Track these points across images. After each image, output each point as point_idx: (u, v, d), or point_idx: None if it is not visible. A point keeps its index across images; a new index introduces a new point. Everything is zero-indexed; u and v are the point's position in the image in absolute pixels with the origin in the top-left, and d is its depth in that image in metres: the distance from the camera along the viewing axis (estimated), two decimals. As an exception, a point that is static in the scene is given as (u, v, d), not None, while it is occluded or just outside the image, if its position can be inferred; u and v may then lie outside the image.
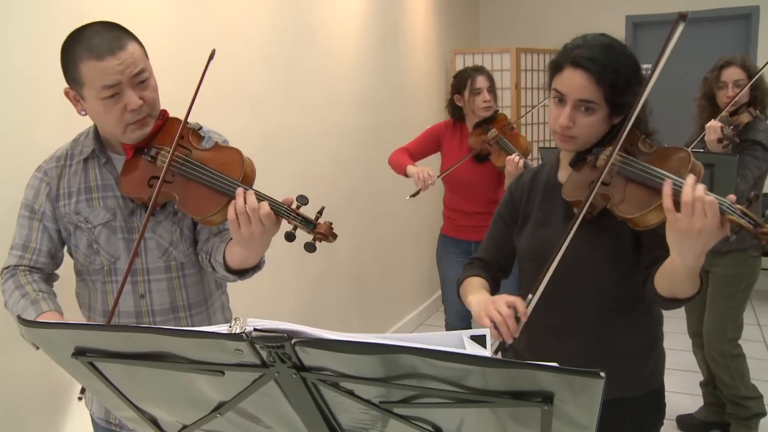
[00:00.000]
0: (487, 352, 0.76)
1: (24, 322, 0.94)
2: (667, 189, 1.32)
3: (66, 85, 1.55)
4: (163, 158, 1.57)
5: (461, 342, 0.77)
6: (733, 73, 2.96)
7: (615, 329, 1.61)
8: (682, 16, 1.36)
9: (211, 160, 1.56)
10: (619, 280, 1.58)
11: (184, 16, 2.64)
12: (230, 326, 0.80)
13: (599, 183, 1.47)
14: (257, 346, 0.80)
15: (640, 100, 1.44)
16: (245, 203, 1.43)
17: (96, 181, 1.63)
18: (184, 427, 1.07)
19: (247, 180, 1.54)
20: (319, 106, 3.63)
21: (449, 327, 3.60)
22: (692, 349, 3.39)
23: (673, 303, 1.47)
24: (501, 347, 1.47)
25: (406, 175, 3.26)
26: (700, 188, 1.29)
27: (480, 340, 0.77)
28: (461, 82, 3.33)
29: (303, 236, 1.50)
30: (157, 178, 1.54)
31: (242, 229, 1.43)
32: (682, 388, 3.77)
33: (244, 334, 0.79)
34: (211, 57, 1.52)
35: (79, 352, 0.94)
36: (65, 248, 1.69)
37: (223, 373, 0.88)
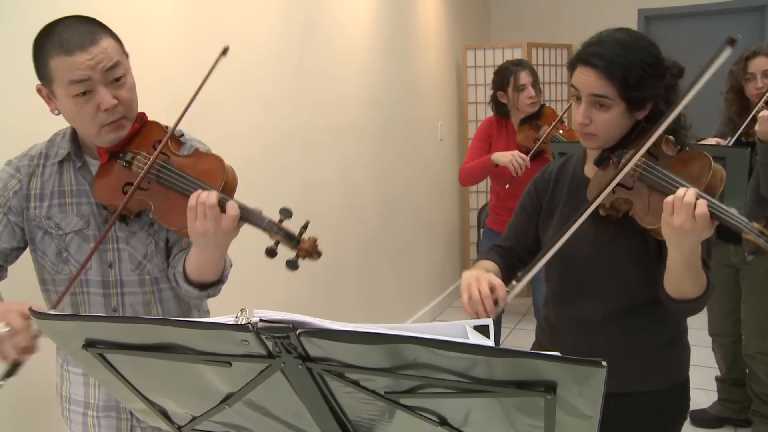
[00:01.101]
0: (489, 342, 0.76)
1: (36, 314, 0.95)
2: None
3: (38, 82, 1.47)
4: (138, 163, 1.48)
5: (464, 332, 0.77)
6: (760, 63, 2.82)
7: (639, 324, 1.62)
8: (731, 42, 1.32)
9: (190, 167, 1.47)
10: (642, 280, 1.58)
11: (192, 15, 2.65)
12: (236, 317, 0.81)
13: (613, 184, 1.47)
14: (263, 337, 0.81)
15: (673, 113, 1.43)
16: (207, 199, 1.36)
17: (70, 186, 1.53)
18: (194, 418, 1.08)
19: (228, 189, 1.46)
20: (330, 104, 3.64)
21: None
22: (711, 346, 3.35)
23: (685, 305, 1.48)
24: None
25: (496, 166, 3.17)
26: (691, 193, 1.33)
27: (483, 330, 0.78)
28: (504, 78, 3.26)
29: (285, 253, 1.42)
30: (132, 184, 1.45)
31: (197, 222, 1.36)
32: (696, 383, 3.69)
33: (250, 325, 0.80)
34: (224, 53, 1.45)
35: (90, 344, 0.95)
36: (25, 251, 1.58)
37: (230, 364, 0.89)
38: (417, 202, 4.78)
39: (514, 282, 1.50)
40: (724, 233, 3.09)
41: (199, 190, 1.38)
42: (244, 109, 2.94)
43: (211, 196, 1.36)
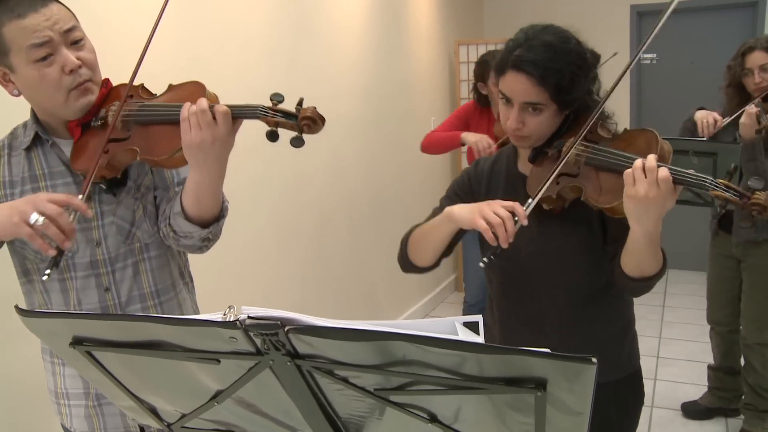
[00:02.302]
0: (479, 339, 0.76)
1: (22, 312, 0.94)
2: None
3: None
4: (111, 117, 1.42)
5: (454, 328, 0.77)
6: (757, 58, 2.82)
7: (589, 316, 1.62)
8: None
9: (168, 99, 1.43)
10: (591, 269, 1.59)
11: (185, 9, 2.64)
12: (224, 314, 0.81)
13: (555, 173, 1.46)
14: (251, 334, 0.81)
15: (607, 98, 1.45)
16: (198, 104, 1.32)
17: (42, 170, 1.47)
18: (183, 416, 1.08)
19: (212, 102, 1.38)
20: (322, 98, 3.61)
21: (467, 306, 3.64)
22: (709, 333, 3.37)
23: (643, 283, 1.48)
24: (494, 252, 1.43)
25: (462, 144, 3.25)
26: (651, 158, 1.33)
27: (473, 326, 0.77)
28: (484, 70, 3.35)
29: (287, 134, 1.36)
30: (115, 140, 1.40)
31: (192, 133, 1.31)
32: (688, 378, 3.77)
33: (238, 322, 0.79)
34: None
35: (77, 342, 0.94)
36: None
37: (219, 361, 0.88)
38: (408, 197, 4.78)
39: (529, 200, 1.46)
40: (724, 223, 3.12)
41: (188, 102, 1.33)
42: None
43: (201, 102, 1.31)
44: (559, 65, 1.47)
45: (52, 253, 1.30)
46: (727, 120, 2.84)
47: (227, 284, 2.80)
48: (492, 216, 1.40)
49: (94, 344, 0.95)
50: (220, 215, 1.48)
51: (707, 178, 1.35)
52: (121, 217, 1.49)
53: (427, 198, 5.08)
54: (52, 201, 1.28)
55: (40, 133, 1.47)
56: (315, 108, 1.33)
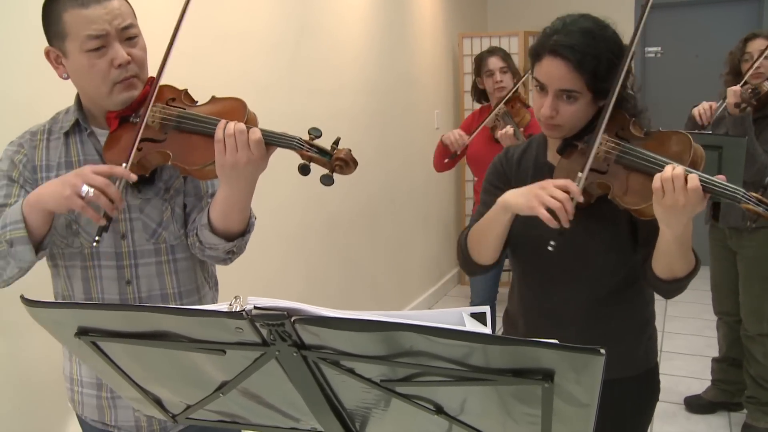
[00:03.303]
0: (486, 329, 0.76)
1: (27, 302, 0.94)
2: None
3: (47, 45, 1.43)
4: (154, 116, 1.46)
5: (461, 319, 0.77)
6: (758, 45, 2.88)
7: (609, 312, 1.61)
8: None
9: (208, 111, 1.46)
10: (615, 266, 1.58)
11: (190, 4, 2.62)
12: (230, 304, 0.80)
13: (587, 169, 1.44)
14: (257, 325, 0.80)
15: (618, 82, 1.43)
16: (234, 127, 1.35)
17: (78, 156, 1.50)
18: (188, 407, 1.08)
19: (250, 123, 1.42)
20: (326, 92, 3.62)
21: (473, 304, 3.65)
22: (716, 323, 3.38)
23: (675, 284, 1.48)
24: (560, 233, 1.42)
25: (443, 144, 3.35)
26: (680, 168, 1.33)
27: (480, 317, 0.77)
28: (477, 65, 3.45)
29: (318, 170, 1.39)
30: (150, 140, 1.44)
31: (227, 155, 1.34)
32: (691, 373, 3.77)
33: (244, 312, 0.79)
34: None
35: (82, 332, 0.94)
36: None
37: (225, 352, 0.88)
38: (413, 191, 4.77)
39: (579, 174, 1.44)
40: (716, 212, 3.13)
41: (224, 121, 1.36)
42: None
43: (238, 124, 1.34)
44: (597, 51, 1.45)
45: (103, 222, 1.37)
46: (722, 104, 2.89)
47: (231, 276, 2.80)
48: (550, 200, 1.39)
49: (99, 335, 0.94)
50: (246, 230, 1.50)
51: (739, 191, 1.34)
52: (148, 216, 1.51)
53: (432, 192, 5.07)
54: (97, 173, 1.34)
55: (80, 121, 1.51)
56: (350, 150, 1.38)
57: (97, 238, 1.38)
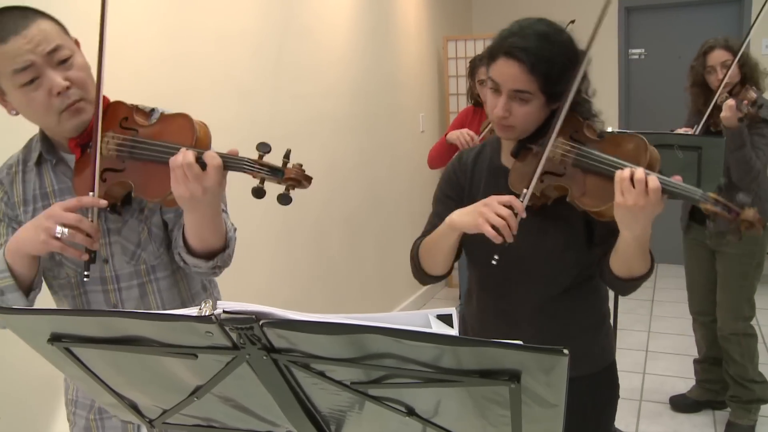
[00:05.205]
0: (453, 331, 0.76)
1: (0, 309, 0.94)
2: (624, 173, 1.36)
3: None
4: (108, 145, 1.39)
5: (427, 321, 0.77)
6: (718, 56, 2.93)
7: (565, 311, 1.63)
8: None
9: (159, 133, 1.39)
10: (570, 266, 1.59)
11: (171, 5, 2.63)
12: (200, 309, 0.81)
13: (538, 173, 1.46)
14: (227, 328, 0.81)
15: (574, 86, 1.44)
16: (183, 158, 1.29)
17: (52, 187, 1.47)
18: (164, 411, 1.08)
19: (201, 144, 1.36)
20: (310, 95, 3.62)
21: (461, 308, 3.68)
22: (692, 325, 3.40)
23: (631, 283, 1.51)
24: (503, 248, 1.43)
25: (448, 143, 3.33)
26: (640, 170, 1.35)
27: (447, 319, 0.77)
28: (473, 68, 3.45)
29: (274, 189, 1.35)
30: (111, 170, 1.38)
31: (182, 186, 1.29)
32: (675, 372, 3.79)
33: (213, 317, 0.79)
34: None
35: (55, 338, 0.94)
36: None
37: (196, 356, 0.88)
38: (399, 193, 4.78)
39: (525, 190, 1.46)
40: (697, 213, 3.15)
41: (175, 155, 1.31)
42: (222, 101, 2.92)
43: (186, 156, 1.28)
44: (551, 55, 1.47)
45: (86, 257, 1.35)
46: (701, 126, 2.91)
47: (219, 281, 2.80)
48: (494, 218, 1.41)
49: (72, 341, 0.94)
50: (225, 245, 1.46)
51: (697, 192, 1.36)
52: (125, 238, 1.48)
53: (417, 194, 5.08)
54: (67, 209, 1.32)
55: (43, 153, 1.47)
56: (300, 166, 1.33)
57: (86, 273, 1.37)
